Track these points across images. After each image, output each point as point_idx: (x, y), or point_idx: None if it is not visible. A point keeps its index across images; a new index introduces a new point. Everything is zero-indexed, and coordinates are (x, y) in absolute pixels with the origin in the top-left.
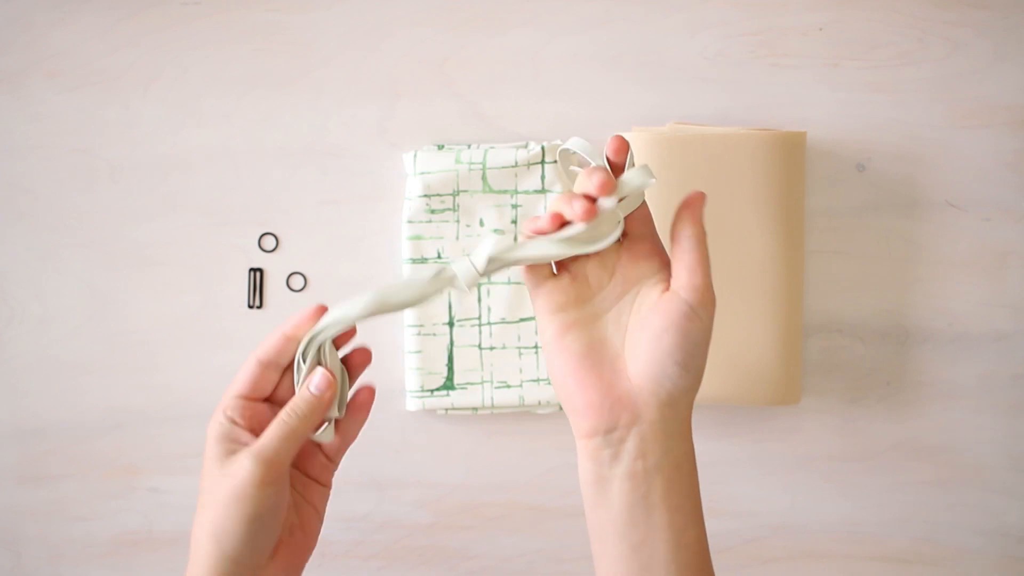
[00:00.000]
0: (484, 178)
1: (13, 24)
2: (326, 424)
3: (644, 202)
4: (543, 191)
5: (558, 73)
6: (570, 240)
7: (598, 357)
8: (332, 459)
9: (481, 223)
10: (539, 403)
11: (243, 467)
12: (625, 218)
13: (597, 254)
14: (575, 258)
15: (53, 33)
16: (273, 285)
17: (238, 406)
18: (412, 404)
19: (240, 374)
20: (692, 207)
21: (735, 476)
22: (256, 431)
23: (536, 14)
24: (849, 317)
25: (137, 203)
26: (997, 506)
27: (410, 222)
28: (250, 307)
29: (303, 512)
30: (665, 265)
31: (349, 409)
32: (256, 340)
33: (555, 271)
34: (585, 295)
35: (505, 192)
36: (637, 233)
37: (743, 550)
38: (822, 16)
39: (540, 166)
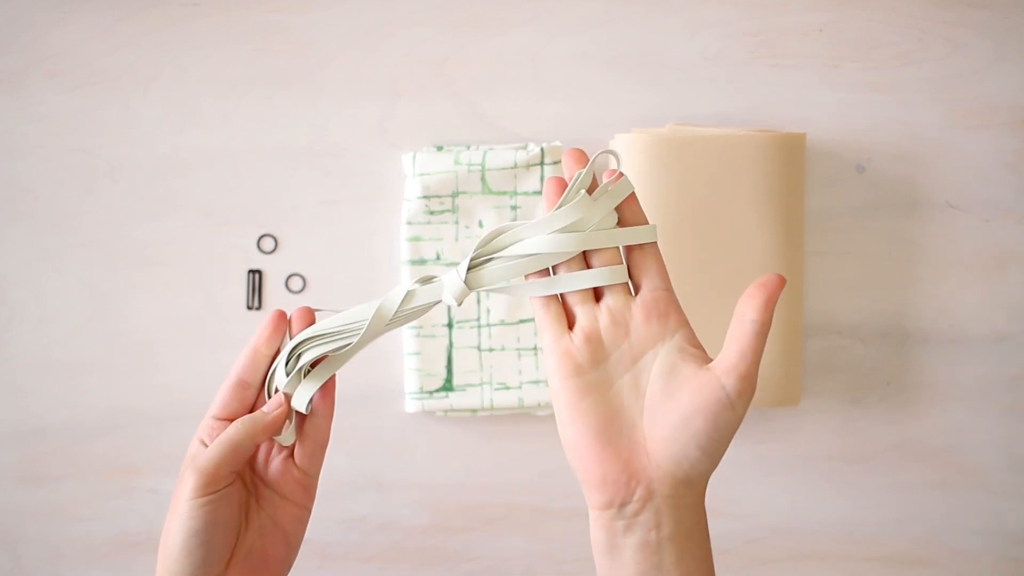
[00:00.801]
0: (483, 179)
1: (13, 24)
2: (288, 424)
3: (657, 254)
4: (542, 192)
5: (558, 73)
6: (560, 231)
7: (615, 429)
8: (306, 471)
9: (480, 224)
10: (538, 404)
11: (182, 481)
12: (635, 271)
13: (609, 309)
14: (588, 314)
15: (53, 33)
16: (272, 287)
17: (213, 428)
18: (411, 406)
19: (217, 394)
20: (769, 291)
21: (736, 477)
22: None
23: (536, 14)
24: (849, 317)
25: (137, 203)
26: (996, 507)
27: (409, 223)
28: (249, 308)
29: (267, 534)
30: (682, 324)
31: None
32: None
33: (565, 306)
34: (600, 355)
35: (504, 193)
36: (650, 287)
37: (743, 551)
38: (822, 16)
39: (539, 167)
